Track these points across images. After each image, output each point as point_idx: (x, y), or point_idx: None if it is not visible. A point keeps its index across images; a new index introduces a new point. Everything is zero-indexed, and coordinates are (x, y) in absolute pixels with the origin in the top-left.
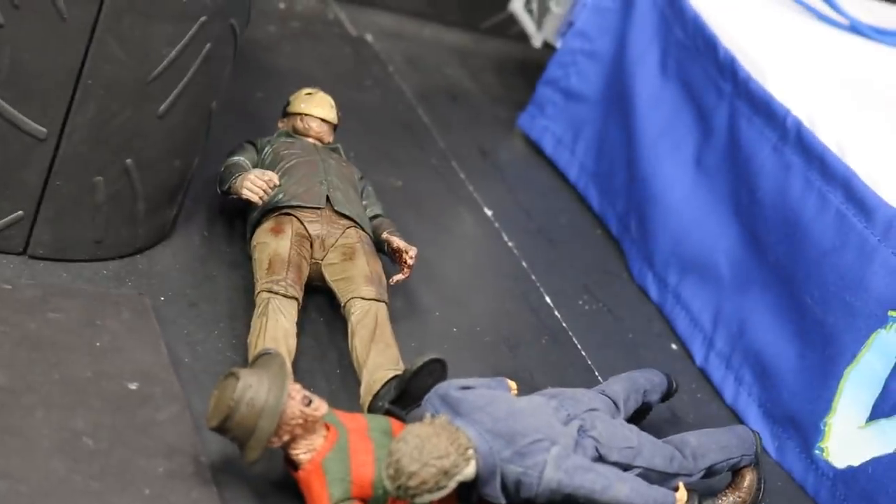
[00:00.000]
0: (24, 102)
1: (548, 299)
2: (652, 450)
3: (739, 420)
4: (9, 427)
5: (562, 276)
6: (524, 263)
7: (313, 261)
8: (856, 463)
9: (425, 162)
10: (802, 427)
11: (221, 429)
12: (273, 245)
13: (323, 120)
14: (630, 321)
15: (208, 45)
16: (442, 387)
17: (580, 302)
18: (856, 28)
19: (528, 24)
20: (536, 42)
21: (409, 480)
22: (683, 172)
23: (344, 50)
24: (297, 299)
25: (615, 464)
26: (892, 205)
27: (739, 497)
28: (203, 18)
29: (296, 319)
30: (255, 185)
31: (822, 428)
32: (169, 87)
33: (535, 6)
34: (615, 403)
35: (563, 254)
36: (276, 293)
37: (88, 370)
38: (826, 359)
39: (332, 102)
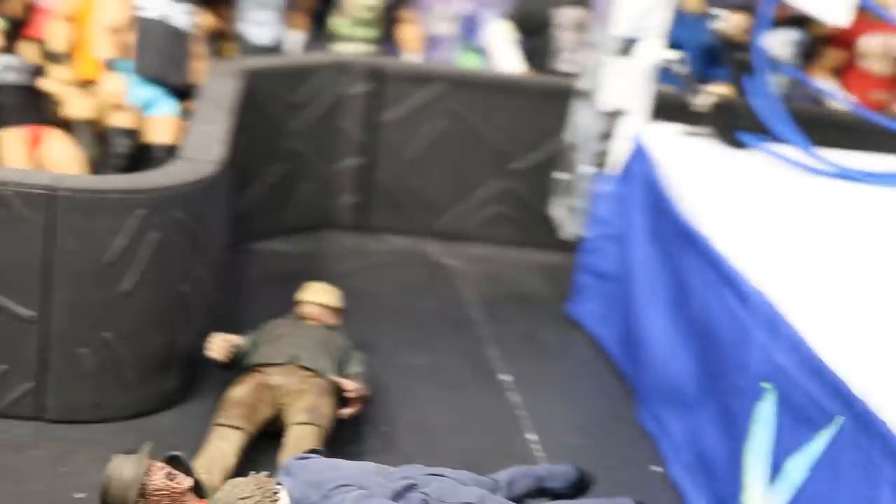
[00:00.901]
0: (10, 291)
1: (531, 436)
2: None
3: None
4: None
5: (559, 418)
6: (518, 412)
7: (278, 405)
8: None
9: (458, 346)
10: None
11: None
12: (231, 392)
13: (319, 304)
14: (618, 452)
15: (156, 235)
16: (289, 459)
17: (571, 442)
18: (845, 174)
19: (564, 222)
20: (566, 235)
21: None
22: (659, 315)
23: (418, 272)
24: (242, 429)
25: None
26: (759, 289)
27: None
28: (140, 212)
29: (238, 445)
30: (214, 345)
31: None
32: (125, 270)
33: (569, 206)
34: (497, 483)
35: (568, 403)
36: (222, 424)
37: (43, 485)
38: (736, 443)
39: (332, 291)
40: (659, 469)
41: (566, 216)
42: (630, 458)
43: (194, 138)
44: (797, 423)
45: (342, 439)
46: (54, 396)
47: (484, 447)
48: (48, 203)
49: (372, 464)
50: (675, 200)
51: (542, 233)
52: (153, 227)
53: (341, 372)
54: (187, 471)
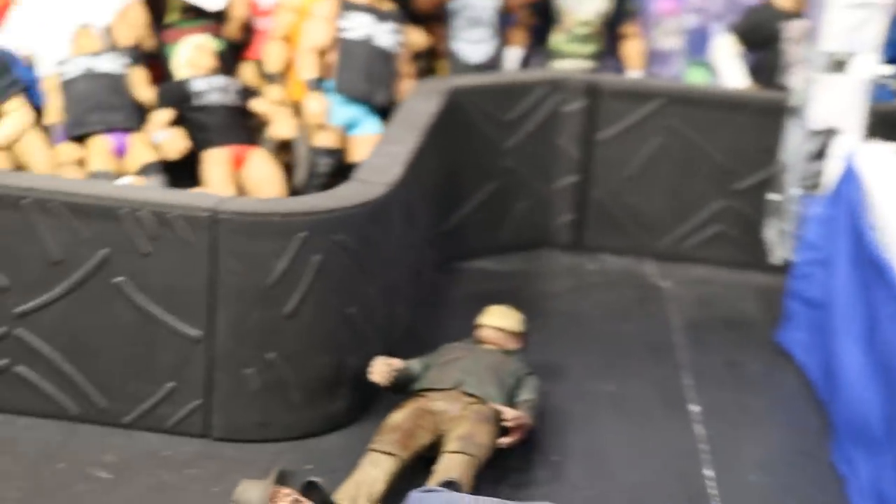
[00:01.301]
0: (177, 311)
1: (709, 472)
2: None
3: None
4: None
5: (743, 454)
6: (700, 445)
7: (439, 432)
8: None
9: (652, 373)
10: None
11: None
12: (391, 417)
13: (497, 328)
14: (801, 493)
15: (318, 257)
16: (414, 492)
17: (751, 480)
18: None
19: (775, 245)
20: (776, 259)
21: None
22: (853, 347)
23: (628, 294)
24: (395, 456)
25: None
26: None
27: None
28: (302, 234)
29: (390, 472)
30: (375, 368)
31: None
32: (288, 292)
33: (780, 229)
34: None
35: (758, 438)
36: (374, 450)
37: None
38: None
39: (512, 314)
40: None
41: (777, 239)
42: (813, 501)
43: (375, 159)
44: None
45: (508, 468)
46: (220, 415)
47: (657, 481)
48: (211, 225)
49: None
50: (872, 225)
51: (763, 254)
52: (315, 249)
53: (512, 399)
54: (324, 499)
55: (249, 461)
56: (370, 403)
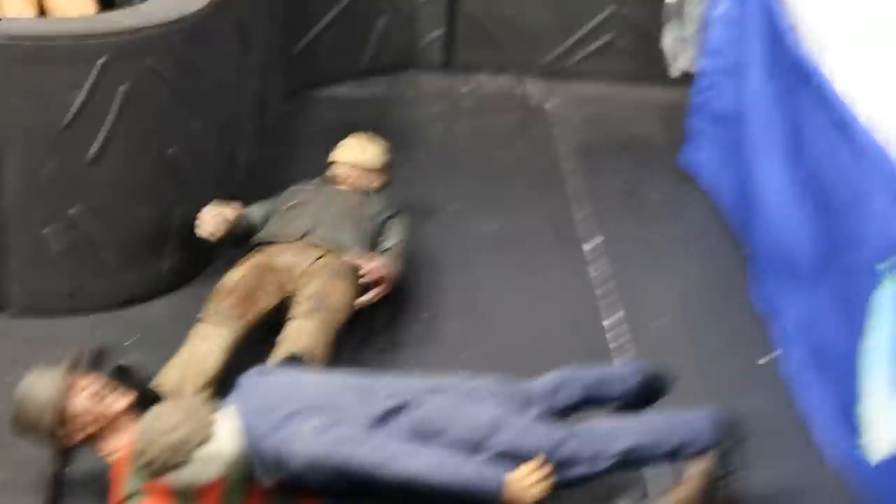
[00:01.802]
0: None
1: (613, 319)
2: (516, 433)
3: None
4: None
5: (651, 296)
6: (597, 292)
7: (285, 293)
8: (884, 453)
9: (540, 207)
10: (847, 423)
11: (19, 429)
12: (225, 278)
13: (352, 165)
14: (719, 338)
15: (124, 87)
16: (248, 372)
17: (661, 326)
18: None
19: (675, 55)
20: (675, 71)
21: (141, 458)
22: (774, 166)
23: (509, 117)
24: (230, 327)
25: (452, 444)
26: (881, 143)
27: (676, 497)
28: (102, 60)
29: (225, 345)
30: (204, 218)
31: (858, 420)
32: (91, 132)
33: (680, 36)
34: (533, 393)
35: (666, 276)
36: (205, 320)
37: None
38: (855, 336)
39: (370, 146)
40: (766, 361)
41: (677, 48)
42: (734, 346)
43: None
44: None
45: (373, 329)
46: (17, 285)
47: (548, 335)
48: None
49: (352, 378)
50: (793, 25)
51: (661, 66)
52: (119, 78)
53: (374, 248)
54: (141, 383)
55: (56, 339)
56: (202, 262)
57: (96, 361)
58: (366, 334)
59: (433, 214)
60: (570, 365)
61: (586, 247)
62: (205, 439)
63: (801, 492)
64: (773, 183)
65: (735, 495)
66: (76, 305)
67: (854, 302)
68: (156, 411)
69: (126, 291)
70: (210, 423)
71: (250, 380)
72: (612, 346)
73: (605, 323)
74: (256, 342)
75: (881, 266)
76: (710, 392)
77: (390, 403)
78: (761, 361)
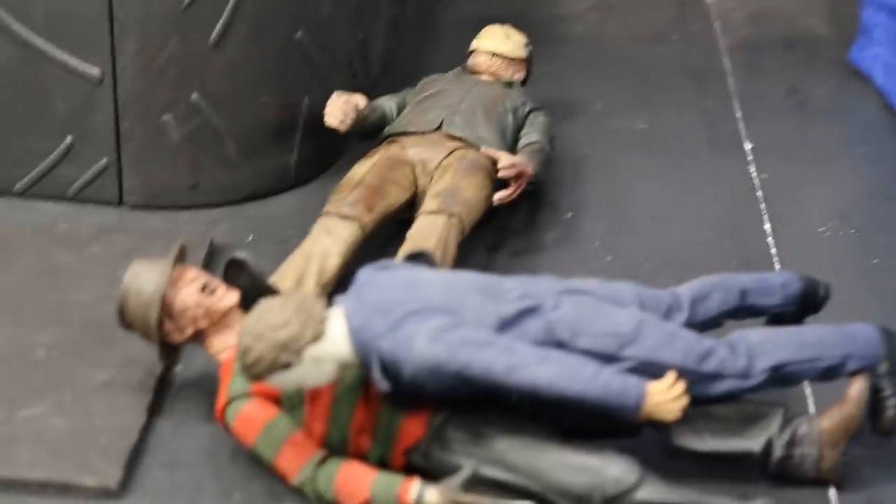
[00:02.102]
0: (70, 45)
1: (768, 226)
2: (660, 341)
3: None
4: None
5: (811, 202)
6: (757, 194)
7: (419, 188)
8: None
9: (695, 105)
10: None
11: (125, 324)
12: (353, 170)
13: (492, 53)
14: (881, 249)
15: None
16: (366, 267)
17: (821, 235)
18: None
19: None
20: None
21: (246, 357)
22: None
23: (664, 11)
24: (356, 220)
25: (587, 351)
26: None
27: (841, 415)
28: None
29: (349, 240)
30: (331, 108)
31: None
32: (213, 14)
33: None
34: (678, 300)
35: (829, 181)
36: (329, 213)
37: (93, 294)
38: None
39: (514, 36)
40: None
41: None
42: None
43: None
44: None
45: (509, 230)
46: (134, 176)
47: (700, 240)
48: None
49: (480, 278)
50: None
51: None
52: None
53: (514, 143)
54: (256, 281)
55: (172, 234)
56: (330, 157)
57: (209, 256)
58: (501, 236)
59: (578, 112)
60: (723, 272)
61: (747, 146)
62: (316, 337)
63: None
64: None
65: None
66: (196, 199)
67: None
68: (264, 305)
69: (248, 185)
70: (323, 320)
71: (368, 275)
72: (772, 251)
73: (766, 227)
74: (386, 239)
75: None
76: (873, 307)
77: (522, 304)
78: None
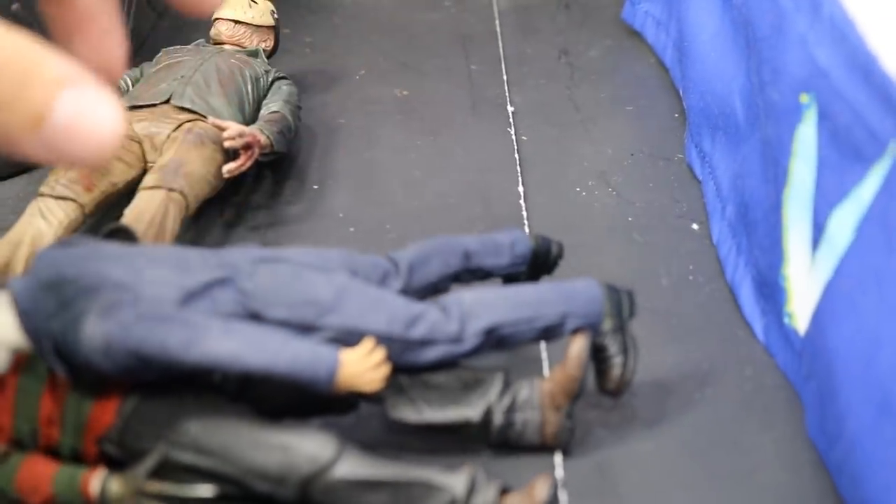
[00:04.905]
0: None
1: (519, 189)
2: (363, 308)
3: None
4: None
5: (576, 160)
6: (517, 156)
7: (148, 163)
8: (807, 322)
9: (462, 71)
10: (773, 291)
11: None
12: None
13: (237, 22)
14: (647, 202)
15: None
16: (47, 246)
17: (583, 186)
18: None
19: None
20: None
21: None
22: (710, 15)
23: None
24: (75, 201)
25: (283, 322)
26: None
27: (561, 376)
28: None
29: (67, 221)
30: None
31: (783, 285)
32: None
33: None
34: (396, 265)
35: (593, 133)
36: (43, 194)
37: None
38: (775, 186)
39: (261, 4)
40: (697, 227)
41: None
42: (663, 210)
43: None
44: (842, 155)
45: (251, 204)
46: None
47: (446, 207)
48: None
49: (176, 251)
50: None
51: None
52: None
53: (257, 114)
54: None
55: None
56: None
57: None
58: (241, 210)
59: (339, 81)
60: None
61: (510, 109)
62: None
63: (724, 368)
64: (708, 26)
65: (625, 376)
66: None
67: (774, 147)
68: None
69: None
70: None
71: (47, 254)
72: (522, 213)
73: (519, 189)
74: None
75: (804, 98)
76: (622, 267)
77: (212, 275)
78: (694, 227)
